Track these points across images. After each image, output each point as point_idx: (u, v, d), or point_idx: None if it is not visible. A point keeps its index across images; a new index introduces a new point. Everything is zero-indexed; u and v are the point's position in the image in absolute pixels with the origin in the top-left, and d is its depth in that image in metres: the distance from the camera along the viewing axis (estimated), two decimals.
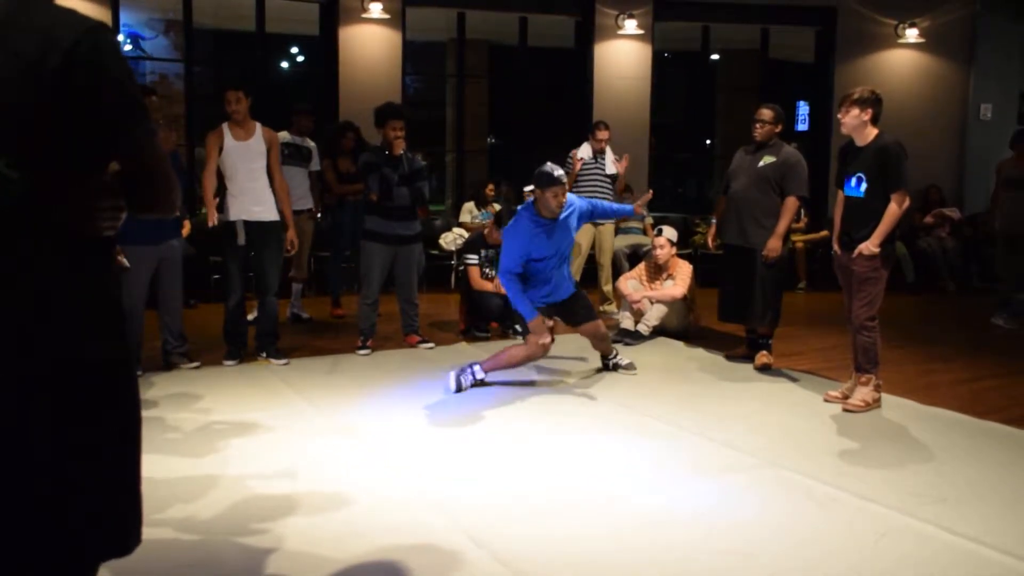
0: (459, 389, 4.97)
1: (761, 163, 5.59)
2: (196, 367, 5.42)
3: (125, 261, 4.79)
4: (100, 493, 1.60)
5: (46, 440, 1.54)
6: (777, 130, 5.65)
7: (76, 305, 1.57)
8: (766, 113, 5.65)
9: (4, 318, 1.53)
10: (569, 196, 5.12)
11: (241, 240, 5.45)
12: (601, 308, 7.52)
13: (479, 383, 5.07)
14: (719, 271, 6.04)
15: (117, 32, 8.65)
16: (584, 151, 7.36)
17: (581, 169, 7.30)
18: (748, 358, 5.84)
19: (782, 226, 5.51)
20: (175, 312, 5.42)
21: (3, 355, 1.53)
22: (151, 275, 5.20)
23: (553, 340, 5.11)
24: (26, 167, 1.52)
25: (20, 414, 1.53)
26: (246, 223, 5.43)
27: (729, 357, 5.96)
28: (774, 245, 5.50)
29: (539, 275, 5.12)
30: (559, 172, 4.92)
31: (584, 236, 7.22)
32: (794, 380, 5.40)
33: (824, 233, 9.29)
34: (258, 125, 5.52)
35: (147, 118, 1.61)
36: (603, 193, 7.22)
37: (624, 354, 6.12)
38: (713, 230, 6.01)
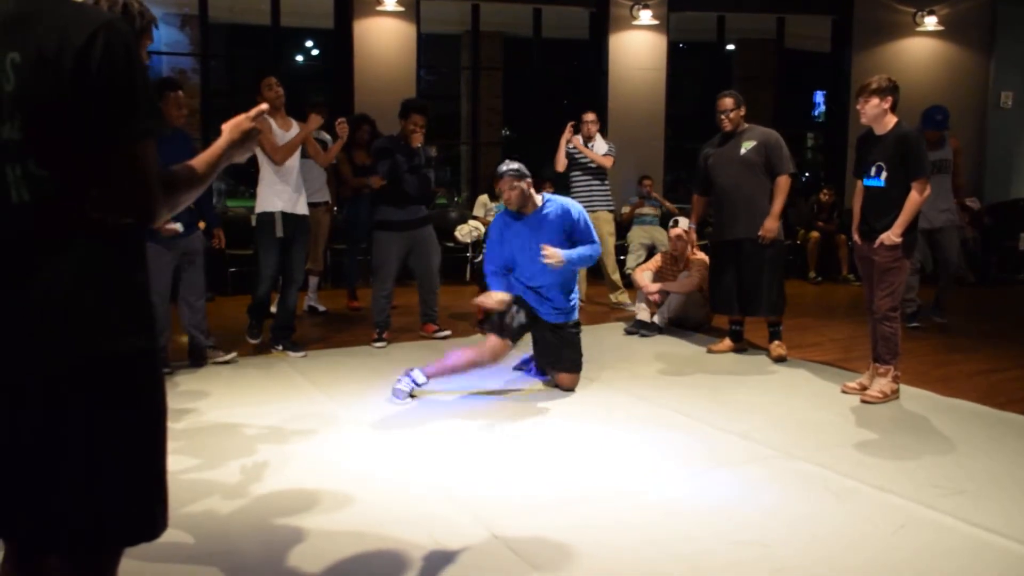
0: (405, 396, 4.63)
1: (743, 150, 5.57)
2: (230, 359, 5.40)
3: (178, 227, 4.83)
4: (126, 481, 1.63)
5: (74, 429, 1.56)
6: (743, 114, 5.64)
7: (105, 298, 1.59)
8: (727, 102, 5.62)
9: (35, 311, 1.55)
10: (564, 202, 4.82)
11: (280, 232, 5.46)
12: (611, 297, 7.50)
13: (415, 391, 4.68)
14: (716, 266, 5.88)
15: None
16: (575, 140, 7.31)
17: (571, 156, 7.27)
18: (734, 351, 5.82)
19: (777, 206, 5.49)
20: (198, 307, 5.37)
21: (34, 347, 1.55)
22: (173, 271, 5.18)
23: (509, 347, 4.71)
24: (54, 165, 1.53)
25: (49, 404, 1.56)
26: (284, 215, 5.45)
27: (711, 352, 5.87)
28: (771, 226, 5.48)
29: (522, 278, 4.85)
30: (505, 167, 4.70)
31: None
32: (811, 371, 5.37)
33: (815, 234, 9.24)
34: (291, 119, 5.57)
35: (143, 118, 1.57)
36: (595, 179, 7.25)
37: (640, 346, 6.14)
38: (694, 237, 6.06)
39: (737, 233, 5.61)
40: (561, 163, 7.28)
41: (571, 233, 4.76)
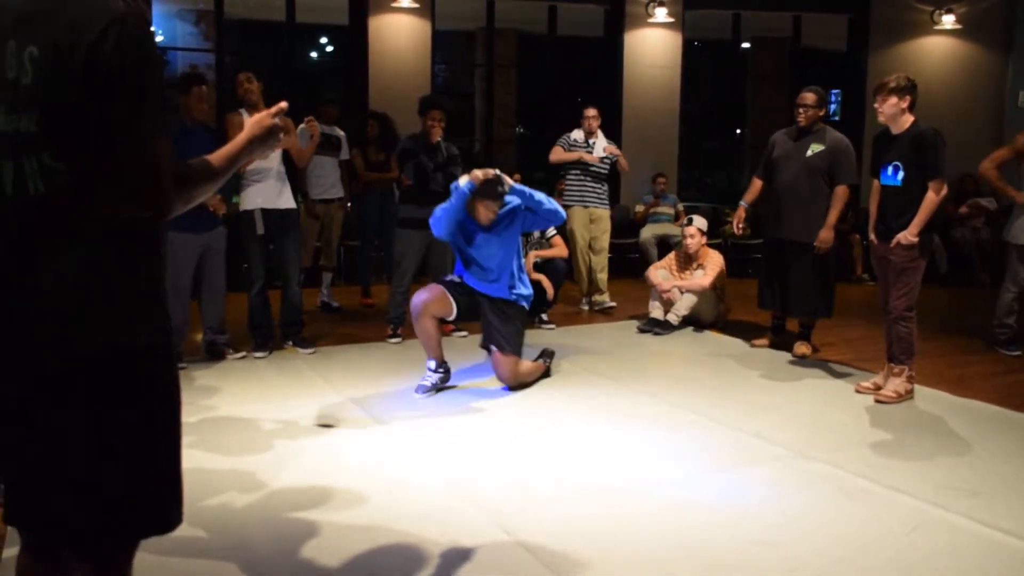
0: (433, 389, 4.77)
1: (809, 152, 5.51)
2: (242, 357, 5.44)
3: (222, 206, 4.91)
4: (136, 476, 1.63)
5: (81, 423, 1.57)
6: (821, 114, 5.59)
7: (117, 292, 1.59)
8: (809, 97, 5.57)
9: (46, 304, 1.56)
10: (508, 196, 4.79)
11: (260, 230, 5.44)
12: (593, 298, 7.38)
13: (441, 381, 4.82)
14: (763, 261, 5.91)
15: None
16: (576, 134, 7.21)
17: (571, 152, 7.18)
18: (775, 346, 5.84)
19: (833, 216, 5.43)
20: (218, 303, 5.41)
21: (44, 340, 1.56)
22: (196, 263, 5.21)
23: (445, 293, 4.74)
24: (69, 158, 1.54)
25: (57, 397, 1.56)
26: (264, 211, 5.43)
27: (754, 346, 5.93)
28: (826, 236, 5.42)
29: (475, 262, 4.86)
30: (502, 188, 4.70)
31: (580, 228, 7.16)
32: (825, 370, 5.35)
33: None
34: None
35: (153, 114, 1.56)
36: (594, 177, 7.16)
37: (653, 344, 6.13)
38: (741, 212, 5.88)
39: (786, 234, 5.59)
40: (556, 156, 7.20)
41: (523, 219, 4.86)
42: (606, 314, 7.18)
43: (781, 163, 5.64)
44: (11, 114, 1.56)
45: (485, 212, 4.73)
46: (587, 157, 7.08)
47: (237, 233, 5.61)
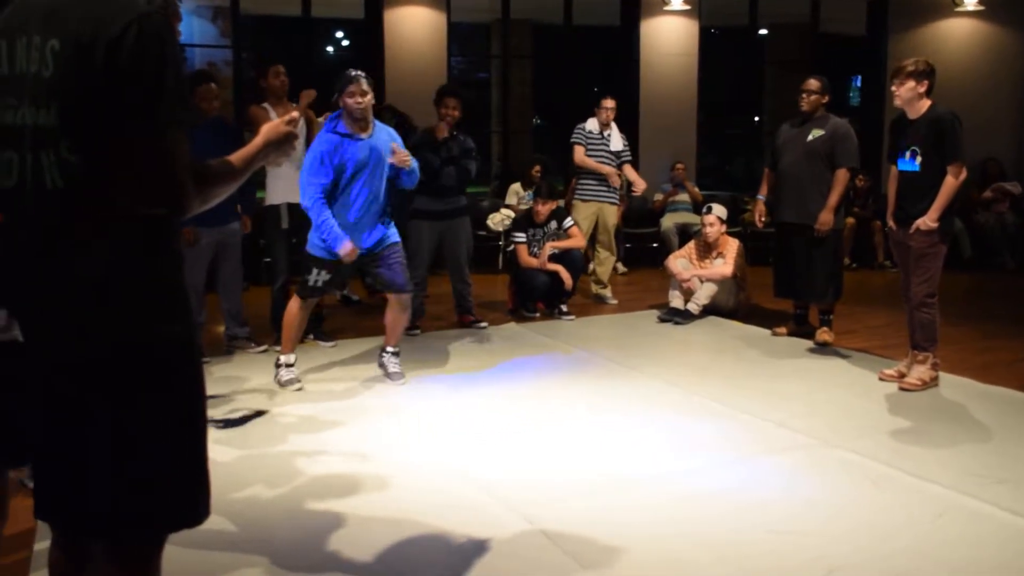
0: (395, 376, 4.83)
1: (810, 137, 5.55)
2: (263, 351, 5.44)
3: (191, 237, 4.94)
4: (164, 468, 1.64)
5: (110, 416, 1.58)
6: (824, 101, 5.63)
7: (139, 286, 1.60)
8: (813, 83, 5.64)
9: (68, 299, 1.57)
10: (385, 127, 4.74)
11: (285, 224, 5.46)
12: (594, 291, 7.34)
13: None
14: (774, 248, 5.98)
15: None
16: (591, 124, 7.13)
17: (586, 144, 7.12)
18: (796, 335, 5.80)
19: (834, 199, 5.44)
20: (235, 296, 5.45)
21: (67, 336, 1.58)
22: (210, 258, 5.25)
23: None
24: (86, 150, 1.55)
25: (85, 393, 1.58)
26: (289, 206, 5.44)
27: (775, 334, 5.90)
28: (826, 218, 5.44)
29: (344, 202, 4.58)
30: (356, 72, 4.57)
31: (585, 223, 7.11)
32: (848, 358, 5.31)
33: (850, 220, 8.87)
34: (293, 105, 5.55)
35: (171, 110, 1.57)
36: (600, 175, 7.08)
37: (674, 334, 6.10)
38: (760, 206, 5.95)
39: (785, 216, 5.68)
40: (581, 161, 7.12)
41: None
42: (607, 305, 7.17)
43: (784, 149, 5.72)
44: (32, 107, 1.58)
45: (353, 100, 4.52)
46: (613, 179, 7.03)
47: (262, 227, 5.62)
